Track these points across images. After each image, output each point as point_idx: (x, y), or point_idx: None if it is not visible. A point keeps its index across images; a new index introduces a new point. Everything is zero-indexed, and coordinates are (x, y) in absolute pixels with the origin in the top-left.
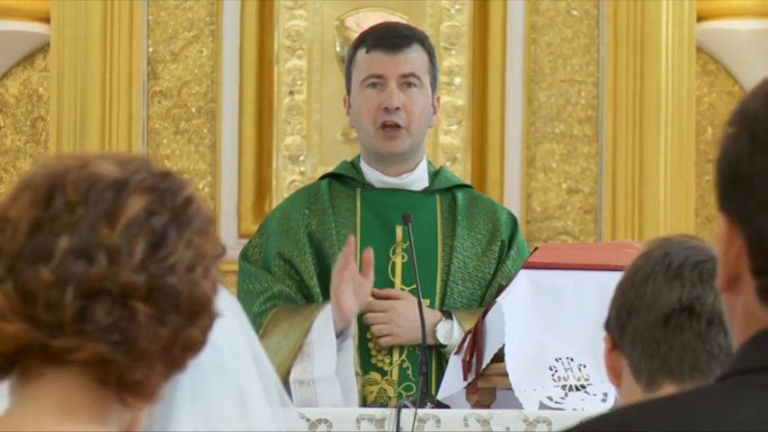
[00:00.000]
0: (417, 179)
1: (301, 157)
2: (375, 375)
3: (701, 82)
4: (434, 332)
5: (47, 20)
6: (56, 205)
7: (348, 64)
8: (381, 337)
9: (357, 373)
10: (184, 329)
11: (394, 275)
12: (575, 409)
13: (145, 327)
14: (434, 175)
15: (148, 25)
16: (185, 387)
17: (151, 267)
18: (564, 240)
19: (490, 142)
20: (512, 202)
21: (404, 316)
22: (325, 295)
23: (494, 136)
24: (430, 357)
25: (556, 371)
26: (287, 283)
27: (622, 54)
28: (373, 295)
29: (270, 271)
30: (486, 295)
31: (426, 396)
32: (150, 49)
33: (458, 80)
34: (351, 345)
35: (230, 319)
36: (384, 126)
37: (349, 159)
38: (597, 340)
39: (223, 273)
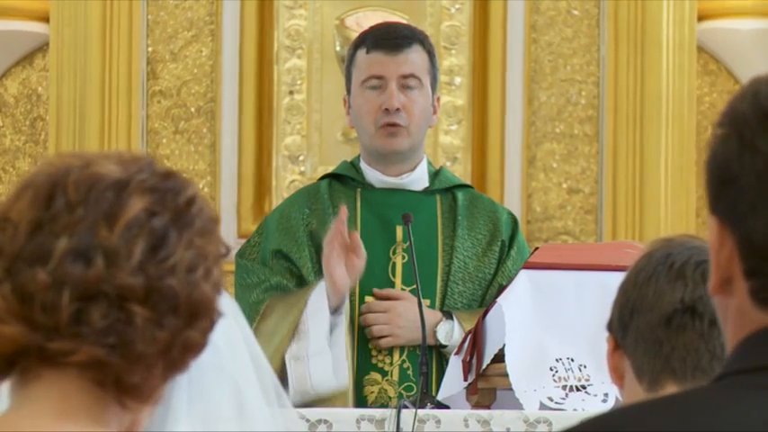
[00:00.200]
0: (417, 179)
1: (301, 157)
2: (375, 375)
3: (701, 81)
4: (435, 332)
5: (46, 19)
6: (56, 205)
7: (348, 64)
8: (381, 337)
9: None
10: (183, 331)
11: (394, 275)
12: (575, 410)
13: (141, 330)
14: (435, 175)
15: (148, 25)
16: (182, 387)
17: (150, 269)
18: (564, 240)
19: (490, 142)
20: (512, 202)
21: (404, 316)
22: None
23: (494, 136)
24: (430, 358)
25: (556, 371)
26: (285, 277)
27: (623, 54)
28: (374, 295)
29: (267, 267)
30: (486, 295)
31: (426, 396)
32: (150, 49)
33: (458, 80)
34: (343, 321)
35: (228, 320)
36: (384, 125)
37: (349, 159)
38: (598, 340)
39: (224, 273)
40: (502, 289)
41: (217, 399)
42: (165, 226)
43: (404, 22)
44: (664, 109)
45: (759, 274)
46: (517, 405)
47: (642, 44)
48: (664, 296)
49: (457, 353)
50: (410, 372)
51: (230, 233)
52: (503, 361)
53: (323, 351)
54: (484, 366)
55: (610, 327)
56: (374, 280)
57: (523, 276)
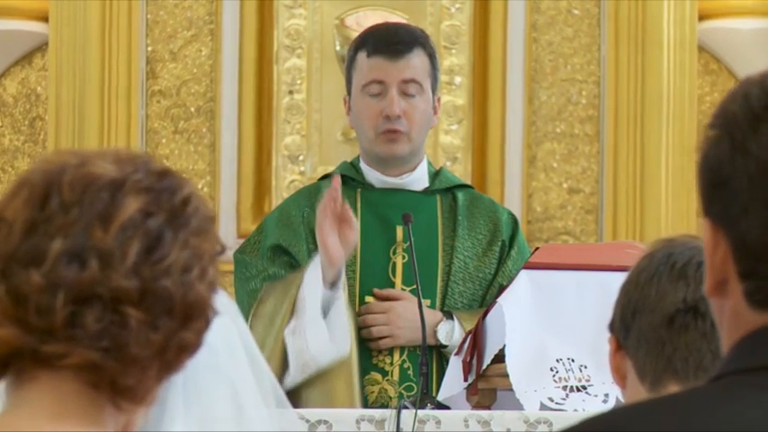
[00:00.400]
0: (418, 179)
1: (301, 157)
2: (376, 375)
3: (702, 81)
4: (435, 332)
5: (45, 19)
6: (51, 206)
7: (349, 65)
8: (381, 338)
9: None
10: (178, 333)
11: (394, 275)
12: (576, 410)
13: (136, 332)
14: (435, 175)
15: (147, 24)
16: (179, 388)
17: (144, 271)
18: (565, 240)
19: (491, 142)
20: (512, 201)
21: (403, 317)
22: None
23: (494, 135)
24: (431, 358)
25: (557, 371)
26: (284, 269)
27: (623, 53)
28: (374, 295)
29: (266, 259)
30: (486, 295)
31: (426, 397)
32: (149, 49)
33: (458, 79)
34: (341, 295)
35: (225, 320)
36: (385, 132)
37: (349, 160)
38: (598, 341)
39: (222, 273)
40: (502, 289)
41: (213, 399)
42: (160, 227)
43: (404, 22)
44: (664, 109)
45: (753, 276)
46: (517, 405)
47: (643, 44)
48: (666, 296)
49: (457, 353)
50: (410, 372)
51: (230, 233)
52: (503, 361)
53: (317, 319)
54: (484, 367)
55: (612, 327)
56: (374, 280)
57: (524, 276)
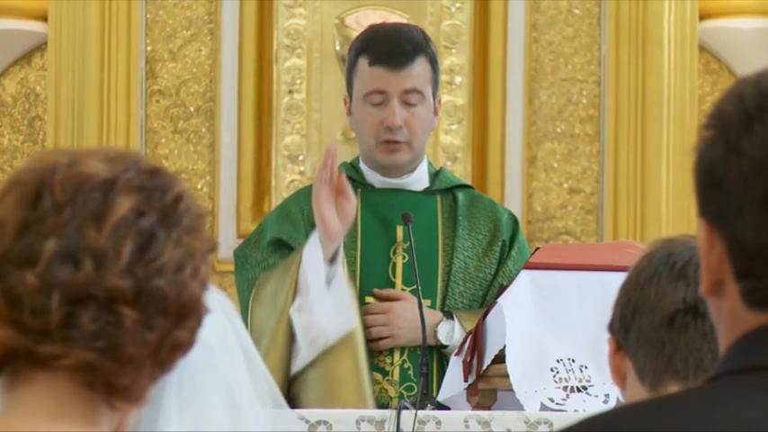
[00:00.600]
0: (418, 179)
1: (301, 157)
2: (376, 375)
3: (703, 81)
4: (435, 332)
5: (44, 18)
6: (43, 206)
7: (349, 68)
8: (381, 339)
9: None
10: (172, 332)
11: (395, 276)
12: (576, 411)
13: (131, 332)
14: (435, 175)
15: (147, 24)
16: (173, 388)
17: (138, 271)
18: (565, 240)
19: (491, 142)
20: (512, 201)
21: (403, 317)
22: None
23: (494, 135)
24: (431, 358)
25: (557, 372)
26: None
27: (624, 53)
28: (374, 295)
29: (266, 251)
30: (487, 296)
31: (426, 397)
32: (148, 48)
33: (458, 79)
34: (341, 270)
35: (221, 318)
36: (385, 141)
37: (349, 160)
38: (599, 341)
39: (222, 273)
40: (502, 289)
41: (209, 399)
42: (152, 226)
43: (405, 22)
44: (665, 108)
45: (749, 276)
46: (518, 406)
47: (643, 43)
48: (665, 296)
49: (457, 353)
50: (411, 372)
51: (229, 233)
52: (503, 362)
53: (322, 293)
54: (484, 367)
55: (611, 328)
56: (374, 280)
57: (524, 277)
